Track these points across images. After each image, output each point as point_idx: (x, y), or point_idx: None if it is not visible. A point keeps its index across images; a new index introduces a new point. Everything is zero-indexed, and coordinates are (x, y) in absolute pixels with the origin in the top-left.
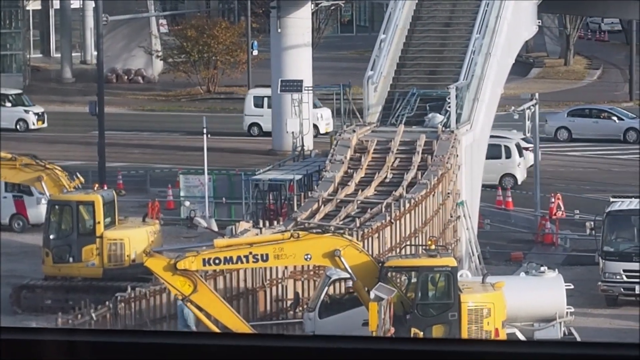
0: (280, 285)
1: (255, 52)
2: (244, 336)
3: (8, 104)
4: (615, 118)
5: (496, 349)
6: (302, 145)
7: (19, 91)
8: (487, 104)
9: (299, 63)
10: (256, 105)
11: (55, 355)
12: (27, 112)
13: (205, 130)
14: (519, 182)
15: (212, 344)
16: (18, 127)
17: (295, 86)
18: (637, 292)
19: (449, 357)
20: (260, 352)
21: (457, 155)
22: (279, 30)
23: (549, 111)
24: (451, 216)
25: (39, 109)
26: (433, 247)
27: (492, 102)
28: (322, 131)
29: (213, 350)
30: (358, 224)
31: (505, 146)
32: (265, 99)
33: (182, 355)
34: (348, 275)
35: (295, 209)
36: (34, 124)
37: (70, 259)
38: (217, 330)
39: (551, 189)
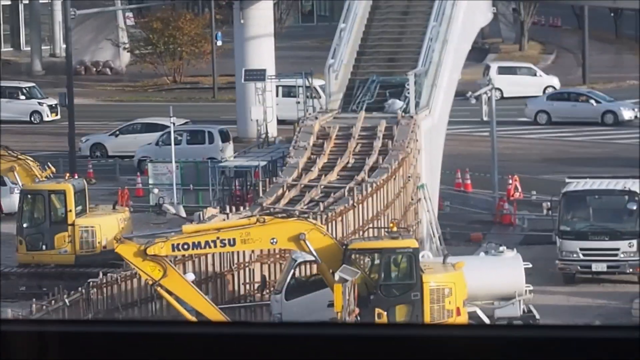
0: (247, 269)
1: (219, 43)
2: (217, 324)
3: (22, 97)
4: (593, 101)
5: (481, 333)
6: (266, 133)
7: (32, 84)
8: (445, 90)
9: (262, 53)
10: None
11: (27, 346)
12: (41, 104)
13: (172, 120)
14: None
15: (185, 332)
16: (32, 119)
17: (258, 75)
18: (593, 269)
19: (438, 341)
20: (230, 340)
21: (417, 140)
22: (242, 22)
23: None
24: (412, 199)
25: (53, 101)
26: (395, 229)
27: (449, 87)
28: None
29: (185, 339)
30: (322, 208)
31: (208, 132)
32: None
33: (159, 344)
34: (313, 258)
35: (261, 194)
36: (48, 116)
37: (43, 247)
38: (186, 313)
39: (509, 171)
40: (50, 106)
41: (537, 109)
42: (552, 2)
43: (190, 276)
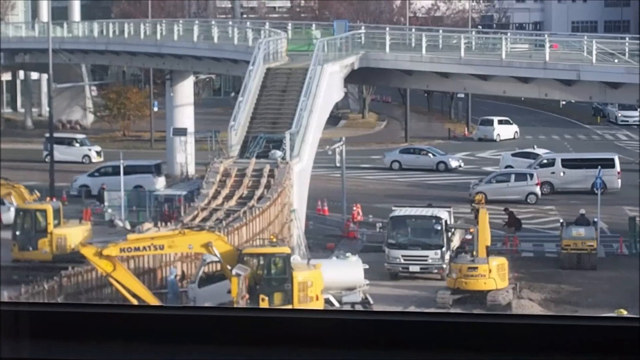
0: (172, 266)
1: (155, 109)
2: (150, 307)
3: (77, 144)
4: (430, 154)
5: (332, 315)
6: (187, 172)
7: (84, 135)
8: (310, 144)
9: (185, 116)
10: None
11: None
12: (90, 150)
13: (121, 162)
14: None
15: (128, 312)
16: (84, 160)
17: (182, 132)
18: (410, 270)
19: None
20: (159, 317)
21: (291, 179)
22: (172, 94)
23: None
24: (287, 219)
25: (98, 148)
26: (274, 240)
27: (314, 142)
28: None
29: (129, 317)
30: (224, 225)
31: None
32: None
33: (116, 321)
34: (218, 259)
35: (182, 214)
36: (94, 158)
37: (30, 248)
38: (129, 296)
39: (354, 201)
40: (96, 152)
41: (392, 159)
42: (383, 85)
43: (176, 270)
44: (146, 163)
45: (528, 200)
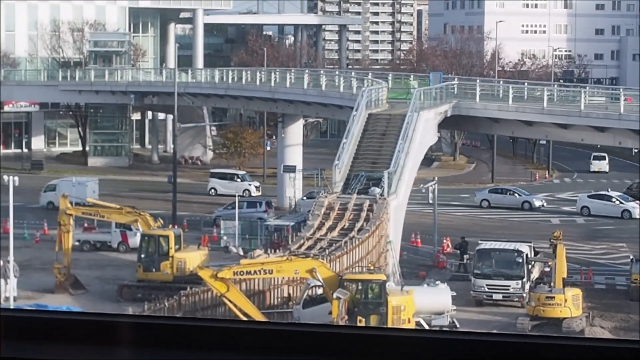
0: (279, 289)
1: (268, 148)
2: (259, 322)
3: (238, 180)
4: (516, 194)
5: (422, 334)
6: (295, 204)
7: (244, 172)
8: (406, 183)
9: (294, 155)
10: None
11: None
12: (250, 185)
13: (236, 194)
14: None
15: (234, 327)
16: (244, 194)
17: (292, 169)
18: (493, 298)
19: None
20: (267, 332)
21: (387, 213)
22: (283, 135)
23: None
24: (383, 249)
25: (257, 183)
26: (372, 267)
27: (409, 181)
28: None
29: (234, 332)
30: (327, 253)
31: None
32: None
33: (208, 335)
34: (321, 283)
35: (290, 242)
36: (254, 192)
37: (153, 270)
38: (240, 314)
39: (444, 234)
40: (255, 186)
41: (482, 198)
42: (473, 131)
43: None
44: None
45: None
